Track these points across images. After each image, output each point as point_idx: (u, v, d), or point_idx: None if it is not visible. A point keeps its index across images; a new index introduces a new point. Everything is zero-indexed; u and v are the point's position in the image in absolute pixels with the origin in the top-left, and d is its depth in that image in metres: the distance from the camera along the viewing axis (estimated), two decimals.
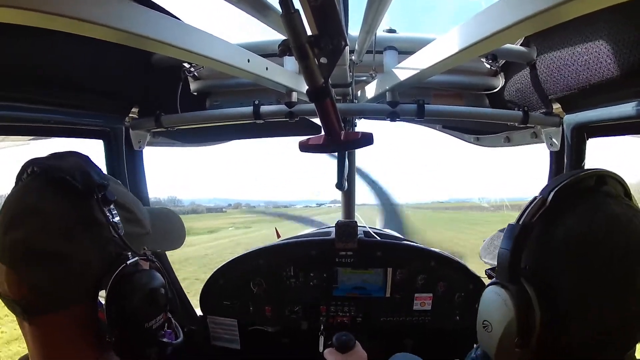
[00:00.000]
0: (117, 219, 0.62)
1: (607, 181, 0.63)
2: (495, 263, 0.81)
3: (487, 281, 1.53)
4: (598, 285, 0.56)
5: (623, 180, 0.64)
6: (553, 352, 0.61)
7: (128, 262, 0.60)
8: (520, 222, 0.63)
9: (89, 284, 0.58)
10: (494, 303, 0.64)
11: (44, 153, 0.64)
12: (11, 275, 0.55)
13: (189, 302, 1.78)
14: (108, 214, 0.60)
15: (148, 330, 0.62)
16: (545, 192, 0.63)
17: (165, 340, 0.66)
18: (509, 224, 0.65)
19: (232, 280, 1.64)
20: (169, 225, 0.84)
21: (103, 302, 0.57)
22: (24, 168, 0.61)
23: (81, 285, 0.58)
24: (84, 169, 0.61)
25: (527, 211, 0.63)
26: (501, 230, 0.86)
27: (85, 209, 0.59)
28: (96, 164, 0.65)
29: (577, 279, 0.57)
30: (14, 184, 0.61)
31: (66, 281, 0.56)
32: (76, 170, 0.59)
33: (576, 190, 0.62)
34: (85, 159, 0.64)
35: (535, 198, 0.64)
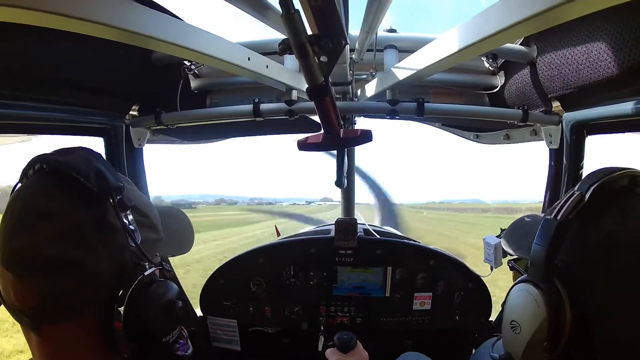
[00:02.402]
0: (133, 225, 0.58)
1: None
2: (516, 253, 0.79)
3: (486, 279, 1.56)
4: (631, 290, 0.54)
5: None
6: (580, 357, 0.58)
7: (145, 273, 0.57)
8: (558, 218, 0.60)
9: (102, 293, 0.54)
10: (525, 302, 0.61)
11: (45, 150, 0.59)
12: (19, 284, 0.51)
13: (189, 302, 1.78)
14: (125, 220, 0.56)
15: (165, 344, 0.59)
16: (583, 188, 0.60)
17: (178, 353, 0.63)
18: (545, 219, 0.62)
19: (232, 280, 1.64)
20: (177, 228, 0.78)
21: (117, 313, 0.54)
22: (31, 164, 0.56)
23: (94, 295, 0.54)
24: (99, 168, 0.56)
25: (565, 207, 0.60)
26: (528, 217, 0.83)
27: (100, 214, 0.55)
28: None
29: (611, 283, 0.56)
30: (18, 182, 0.56)
31: (78, 290, 0.52)
32: (90, 170, 0.55)
33: (611, 190, 0.60)
34: (98, 156, 0.60)
35: (572, 193, 0.61)
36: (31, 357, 0.60)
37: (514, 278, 1.00)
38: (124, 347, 0.55)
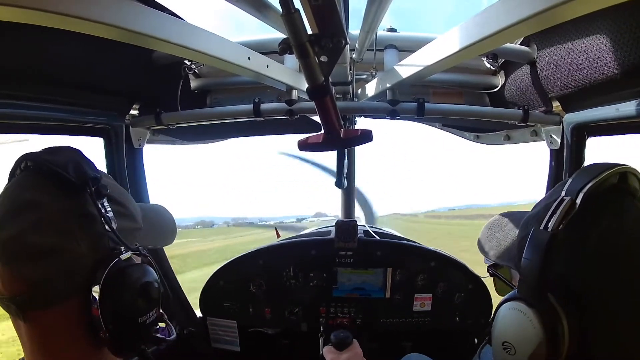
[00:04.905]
0: (110, 213, 0.61)
1: (629, 178, 0.57)
2: (497, 261, 0.76)
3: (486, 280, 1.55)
4: (635, 295, 0.52)
5: None
6: None
7: (121, 256, 0.60)
8: (549, 229, 0.55)
9: (83, 278, 0.57)
10: (518, 323, 0.57)
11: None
12: (6, 273, 0.54)
13: (188, 303, 1.78)
14: (101, 208, 0.60)
15: (142, 325, 0.62)
16: (572, 192, 0.56)
17: (159, 336, 0.66)
18: (534, 229, 0.57)
19: (231, 282, 1.64)
20: (160, 221, 0.83)
21: (96, 296, 0.57)
22: (18, 163, 0.60)
23: (75, 280, 0.57)
24: (77, 162, 0.60)
25: (556, 215, 0.55)
26: (503, 215, 0.80)
27: (78, 203, 0.58)
28: (89, 158, 0.65)
29: (613, 290, 0.53)
30: (7, 180, 0.60)
31: (61, 276, 0.56)
32: (69, 163, 0.59)
33: (602, 191, 0.56)
34: (78, 152, 0.64)
35: (562, 200, 0.56)
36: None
37: (495, 285, 0.99)
38: (102, 327, 0.57)
